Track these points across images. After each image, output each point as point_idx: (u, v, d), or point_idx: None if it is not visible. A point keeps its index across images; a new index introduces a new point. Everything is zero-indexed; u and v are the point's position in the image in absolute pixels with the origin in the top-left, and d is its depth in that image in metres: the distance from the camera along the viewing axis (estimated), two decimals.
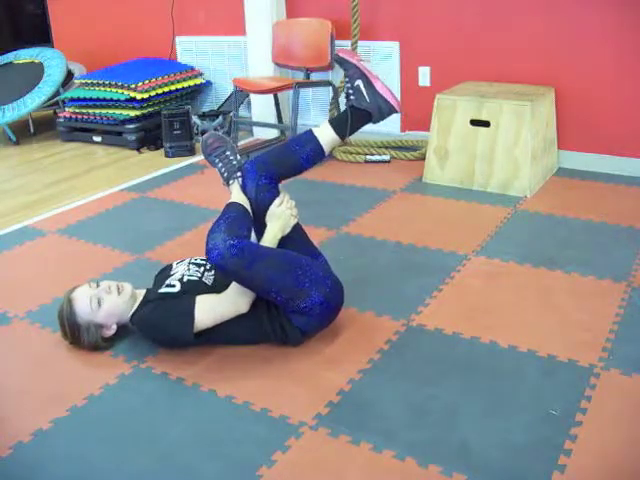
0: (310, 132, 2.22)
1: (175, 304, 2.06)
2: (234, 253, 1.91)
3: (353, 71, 2.19)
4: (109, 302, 2.12)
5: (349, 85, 2.19)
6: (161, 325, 2.06)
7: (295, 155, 2.19)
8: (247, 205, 2.13)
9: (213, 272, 2.21)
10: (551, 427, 1.75)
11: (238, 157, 2.25)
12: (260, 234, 2.16)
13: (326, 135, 2.20)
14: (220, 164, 2.23)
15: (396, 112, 2.20)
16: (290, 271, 2.02)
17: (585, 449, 1.67)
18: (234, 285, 2.03)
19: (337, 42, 4.12)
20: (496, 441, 1.71)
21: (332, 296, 2.10)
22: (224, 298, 2.04)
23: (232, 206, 2.10)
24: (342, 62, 2.21)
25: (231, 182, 2.20)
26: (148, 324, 2.09)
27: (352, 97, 2.19)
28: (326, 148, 2.21)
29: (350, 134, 2.23)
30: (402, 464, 1.65)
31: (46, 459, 1.73)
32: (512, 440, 1.71)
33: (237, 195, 2.15)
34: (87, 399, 1.95)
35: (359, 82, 2.17)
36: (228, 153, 2.24)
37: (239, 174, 2.20)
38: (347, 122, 2.19)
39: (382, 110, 2.18)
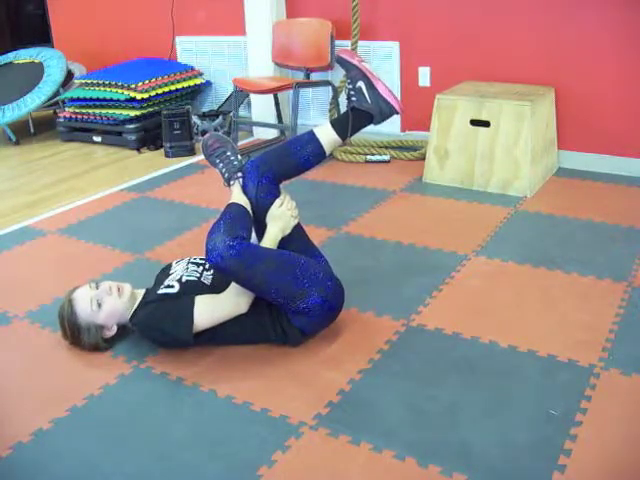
0: (311, 133, 2.21)
1: (174, 305, 2.05)
2: (233, 254, 1.91)
3: (355, 72, 2.19)
4: (109, 303, 2.12)
5: (351, 86, 2.19)
6: (160, 326, 2.06)
7: (296, 155, 2.19)
8: (247, 206, 2.13)
9: (212, 272, 2.20)
10: (551, 427, 1.75)
11: (239, 157, 2.25)
12: (260, 235, 2.16)
13: (327, 136, 2.20)
14: (221, 164, 2.23)
15: (397, 113, 2.20)
16: (289, 272, 2.01)
17: (585, 449, 1.67)
18: (233, 285, 2.03)
19: (337, 42, 4.12)
20: (496, 441, 1.71)
21: (332, 297, 2.10)
22: (223, 298, 2.04)
23: (232, 207, 2.10)
24: (343, 63, 2.21)
25: (232, 183, 2.20)
26: (147, 325, 2.09)
27: (353, 98, 2.19)
28: (327, 149, 2.21)
29: (351, 135, 2.22)
30: (402, 464, 1.65)
31: (46, 459, 1.73)
32: (512, 440, 1.72)
33: (237, 195, 2.15)
34: (87, 399, 1.95)
35: (361, 83, 2.17)
36: (229, 153, 2.24)
37: (240, 174, 2.19)
38: (348, 123, 2.18)
39: (383, 111, 2.18)
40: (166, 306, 2.06)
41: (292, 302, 2.02)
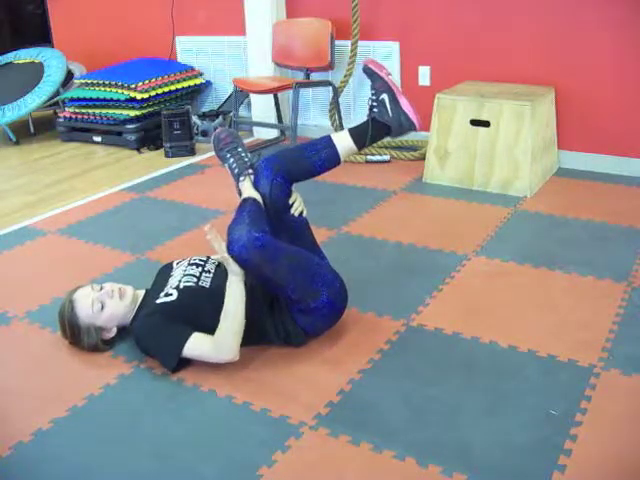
0: (328, 138, 2.22)
1: (170, 331, 2.02)
2: (258, 246, 1.91)
3: (380, 84, 2.19)
4: (111, 306, 2.12)
5: (374, 97, 2.20)
6: (151, 346, 2.06)
7: (311, 159, 2.19)
8: (261, 201, 2.13)
9: (211, 274, 2.21)
10: (551, 427, 1.75)
11: (249, 155, 2.25)
12: (270, 232, 2.16)
13: (344, 143, 2.21)
14: (232, 159, 2.23)
15: (415, 130, 2.21)
16: (307, 270, 2.04)
17: (585, 449, 1.67)
18: (225, 334, 1.99)
19: (337, 42, 4.12)
20: (496, 441, 1.71)
21: (339, 298, 2.12)
22: (216, 345, 1.99)
23: (249, 201, 2.10)
24: (371, 74, 2.22)
25: (242, 178, 2.19)
26: (141, 339, 2.08)
27: (375, 110, 2.20)
28: (342, 156, 2.22)
29: (368, 145, 2.24)
30: (402, 464, 1.65)
31: (46, 459, 1.73)
32: (512, 440, 1.72)
33: (250, 191, 2.15)
34: (87, 399, 1.95)
35: (384, 96, 2.18)
36: (240, 149, 2.24)
37: (250, 171, 2.20)
38: (367, 133, 2.19)
39: (402, 126, 2.19)
40: (162, 331, 2.03)
41: (304, 300, 2.03)
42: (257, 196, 2.13)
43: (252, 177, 2.18)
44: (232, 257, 1.96)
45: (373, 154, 4.03)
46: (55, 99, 4.93)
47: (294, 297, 2.03)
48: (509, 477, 1.60)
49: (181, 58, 5.06)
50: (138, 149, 4.54)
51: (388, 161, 3.98)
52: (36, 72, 4.91)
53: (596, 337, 2.15)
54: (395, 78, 4.11)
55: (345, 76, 4.22)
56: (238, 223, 1.97)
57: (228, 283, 2.02)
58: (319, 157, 2.19)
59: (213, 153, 2.34)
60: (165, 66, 4.82)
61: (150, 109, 4.60)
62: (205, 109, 5.03)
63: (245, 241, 1.91)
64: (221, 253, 1.98)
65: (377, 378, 1.99)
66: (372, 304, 2.39)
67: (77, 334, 2.13)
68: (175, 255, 2.57)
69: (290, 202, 2.18)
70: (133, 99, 4.49)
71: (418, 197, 3.45)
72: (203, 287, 2.15)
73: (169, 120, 4.27)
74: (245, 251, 1.91)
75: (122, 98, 4.48)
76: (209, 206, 3.38)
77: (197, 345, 2.00)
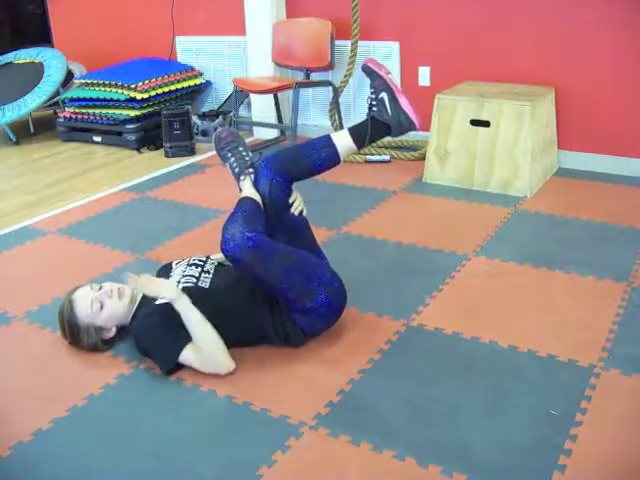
0: (328, 137, 2.22)
1: (169, 337, 2.02)
2: (251, 245, 1.92)
3: (379, 83, 2.19)
4: (110, 306, 2.13)
5: (373, 96, 2.20)
6: (149, 349, 2.06)
7: (310, 158, 2.19)
8: (260, 201, 2.13)
9: (210, 274, 2.21)
10: (551, 427, 1.75)
11: (250, 154, 2.25)
12: (270, 231, 2.16)
13: (344, 142, 2.21)
14: (232, 159, 2.23)
15: (415, 129, 2.21)
16: (302, 270, 2.03)
17: (585, 449, 1.67)
18: (208, 356, 1.99)
19: (337, 42, 4.12)
20: (496, 441, 1.71)
21: (337, 298, 2.12)
22: (204, 363, 2.01)
23: (247, 200, 2.10)
24: (370, 73, 2.22)
25: (242, 177, 2.19)
26: (139, 339, 2.08)
27: (374, 109, 2.20)
28: (342, 155, 2.22)
29: (368, 144, 2.24)
30: (402, 464, 1.65)
31: (46, 459, 1.73)
32: (512, 440, 1.72)
33: (249, 190, 2.15)
34: (87, 399, 1.95)
35: (384, 95, 2.18)
36: (241, 149, 2.24)
37: (251, 170, 2.20)
38: (367, 132, 2.19)
39: (402, 125, 2.18)
40: (161, 333, 2.03)
41: (300, 300, 2.03)
42: (256, 196, 2.13)
43: (252, 176, 2.19)
44: (225, 256, 1.97)
45: (373, 154, 4.04)
46: (55, 99, 4.93)
47: (289, 296, 2.03)
48: (509, 477, 1.61)
49: (181, 58, 5.06)
50: (138, 149, 4.54)
51: (388, 161, 3.98)
52: (36, 72, 4.91)
53: (596, 337, 2.15)
54: (395, 78, 4.13)
55: (345, 76, 4.22)
56: (232, 222, 1.97)
57: (182, 314, 1.99)
58: (319, 156, 2.19)
59: (213, 153, 2.35)
60: (165, 66, 4.82)
61: (150, 109, 4.60)
62: (205, 109, 5.03)
63: (237, 241, 1.91)
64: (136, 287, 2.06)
65: (377, 378, 1.99)
66: (372, 304, 2.39)
67: (77, 334, 2.13)
68: (175, 255, 2.58)
69: (290, 201, 2.18)
70: (133, 99, 4.49)
71: (418, 197, 3.45)
72: (202, 288, 2.15)
73: (169, 120, 4.27)
74: (238, 251, 1.92)
75: (122, 98, 4.48)
76: (209, 206, 3.38)
77: (192, 356, 2.00)
